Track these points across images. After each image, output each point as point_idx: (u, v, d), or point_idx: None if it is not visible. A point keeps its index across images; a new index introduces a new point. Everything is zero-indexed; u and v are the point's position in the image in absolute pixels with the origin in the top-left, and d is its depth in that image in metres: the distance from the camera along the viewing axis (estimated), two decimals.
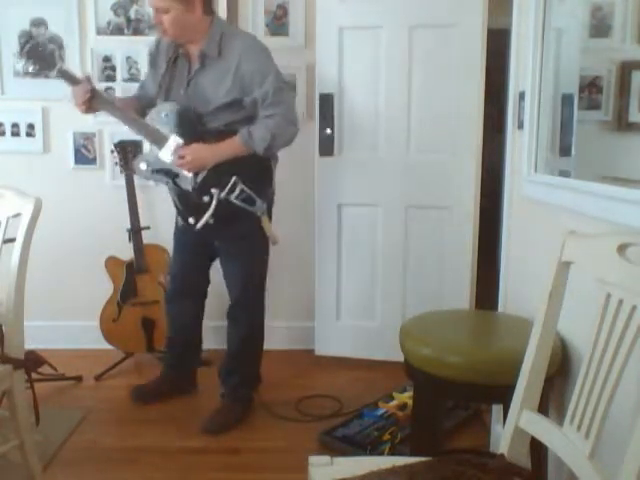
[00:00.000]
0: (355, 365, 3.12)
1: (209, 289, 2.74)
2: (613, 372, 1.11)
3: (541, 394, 1.35)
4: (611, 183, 1.56)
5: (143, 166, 2.41)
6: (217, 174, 2.33)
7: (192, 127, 2.36)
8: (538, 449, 1.51)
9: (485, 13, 2.84)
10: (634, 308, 1.09)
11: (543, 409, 1.50)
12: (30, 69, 2.24)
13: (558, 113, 2.03)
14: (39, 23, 3.15)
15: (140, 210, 3.05)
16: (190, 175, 2.35)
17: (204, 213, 2.32)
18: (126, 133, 2.69)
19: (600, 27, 2.07)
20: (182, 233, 2.58)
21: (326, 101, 3.03)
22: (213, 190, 2.31)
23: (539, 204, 1.98)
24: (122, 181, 3.02)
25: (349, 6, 2.96)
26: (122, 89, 3.17)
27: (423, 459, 1.34)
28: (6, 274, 1.82)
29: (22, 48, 2.22)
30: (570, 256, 1.30)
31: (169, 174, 2.39)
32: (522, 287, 2.14)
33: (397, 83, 2.97)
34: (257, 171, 2.37)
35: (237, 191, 2.31)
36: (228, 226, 2.38)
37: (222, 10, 3.10)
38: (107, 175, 3.26)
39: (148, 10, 3.01)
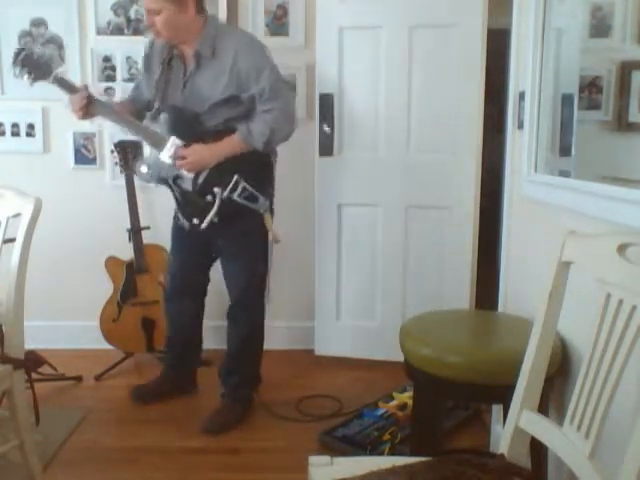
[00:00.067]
0: (355, 365, 3.12)
1: (210, 290, 2.74)
2: (613, 372, 1.11)
3: (541, 394, 1.35)
4: (611, 183, 1.56)
5: (144, 169, 2.42)
6: (219, 173, 2.33)
7: (191, 128, 2.36)
8: (538, 449, 1.51)
9: (485, 13, 2.84)
10: (634, 308, 1.09)
11: (543, 409, 1.50)
12: (25, 78, 2.24)
13: (558, 113, 2.03)
14: (39, 23, 3.15)
15: (140, 210, 3.05)
16: (191, 176, 2.35)
17: (208, 213, 2.32)
18: (126, 133, 2.69)
19: (600, 27, 2.07)
20: (181, 232, 2.58)
21: (326, 101, 3.03)
22: (216, 189, 2.32)
23: (539, 204, 1.98)
24: (122, 181, 3.03)
25: (349, 6, 2.96)
26: (122, 89, 3.17)
27: (423, 459, 1.34)
28: (6, 274, 1.82)
29: (16, 57, 2.23)
30: (570, 256, 1.30)
31: (171, 176, 2.39)
32: (522, 287, 2.14)
33: (397, 83, 2.97)
34: (258, 168, 2.38)
35: (239, 189, 2.31)
36: (231, 225, 2.38)
37: (222, 10, 3.10)
38: (107, 175, 3.26)
39: None
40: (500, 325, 2.10)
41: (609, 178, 1.66)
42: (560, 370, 1.73)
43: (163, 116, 2.37)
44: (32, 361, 2.43)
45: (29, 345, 1.99)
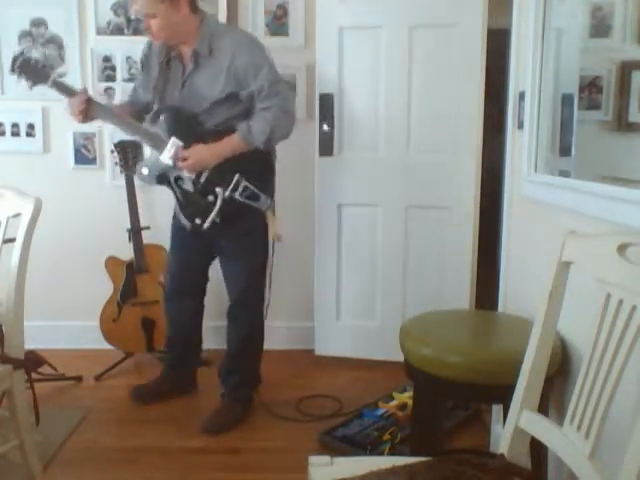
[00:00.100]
0: (355, 365, 3.12)
1: (209, 290, 2.74)
2: (613, 372, 1.11)
3: (541, 394, 1.35)
4: (611, 183, 1.56)
5: (145, 171, 2.42)
6: (220, 173, 2.33)
7: (190, 128, 2.36)
8: (538, 449, 1.51)
9: (485, 13, 2.84)
10: (634, 308, 1.09)
11: (543, 409, 1.50)
12: (24, 84, 2.25)
13: (558, 113, 2.03)
14: (39, 23, 3.15)
15: (140, 210, 3.05)
16: (192, 176, 2.35)
17: (210, 213, 2.32)
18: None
19: (600, 27, 2.07)
20: (181, 232, 2.58)
21: (326, 101, 3.03)
22: (217, 189, 2.32)
23: (539, 204, 1.98)
24: (122, 181, 3.03)
25: (349, 6, 2.96)
26: (122, 89, 3.17)
27: (423, 459, 1.34)
28: (6, 274, 1.82)
29: (13, 64, 2.24)
30: (570, 256, 1.30)
31: (172, 177, 2.39)
32: (522, 287, 2.14)
33: (397, 83, 2.97)
34: (259, 167, 2.38)
35: (241, 188, 2.31)
36: (233, 224, 2.38)
37: (222, 10, 3.10)
38: (107, 175, 3.26)
39: None
40: (500, 325, 2.10)
41: (609, 178, 1.66)
42: (560, 370, 1.73)
43: (163, 117, 2.37)
44: (32, 361, 2.43)
45: (29, 345, 1.99)
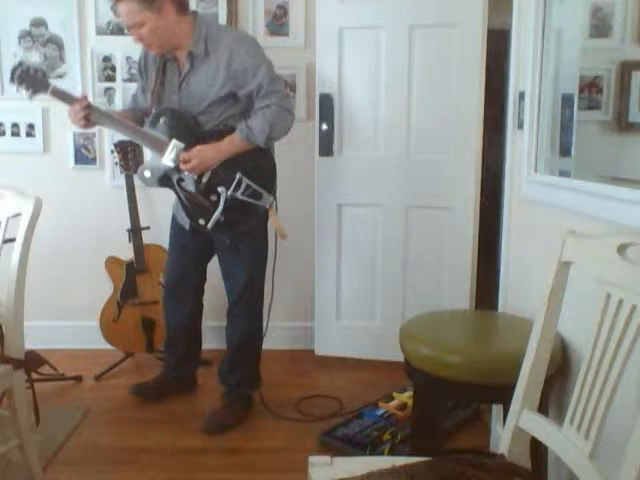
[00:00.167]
0: (355, 365, 3.12)
1: (209, 291, 2.74)
2: (613, 372, 1.11)
3: (541, 394, 1.35)
4: (611, 183, 1.56)
5: (147, 174, 2.42)
6: (222, 172, 2.33)
7: (190, 130, 2.36)
8: (538, 449, 1.51)
9: (485, 13, 2.84)
10: (634, 308, 1.09)
11: (543, 409, 1.50)
12: (24, 94, 2.26)
13: (558, 113, 2.03)
14: (39, 23, 3.16)
15: (140, 210, 3.05)
16: (195, 177, 2.35)
17: (213, 213, 2.32)
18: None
19: (600, 27, 2.07)
20: (180, 232, 2.59)
21: (326, 101, 3.03)
22: (220, 189, 2.32)
23: (539, 204, 1.98)
24: (122, 181, 3.03)
25: (349, 6, 2.96)
26: (122, 89, 3.18)
27: (423, 459, 1.34)
28: (6, 274, 1.82)
29: (13, 74, 2.26)
30: (570, 256, 1.30)
31: (174, 179, 2.40)
32: (522, 287, 2.14)
33: (397, 83, 2.97)
34: (260, 164, 2.38)
35: (243, 187, 2.32)
36: (237, 223, 2.38)
37: (222, 10, 3.11)
38: (107, 175, 3.26)
39: None
40: (500, 325, 2.10)
41: (609, 178, 1.66)
42: (560, 370, 1.73)
43: (162, 120, 2.37)
44: (32, 361, 2.42)
45: (29, 345, 1.99)
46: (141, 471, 2.20)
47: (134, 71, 3.12)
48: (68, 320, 3.30)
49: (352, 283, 3.18)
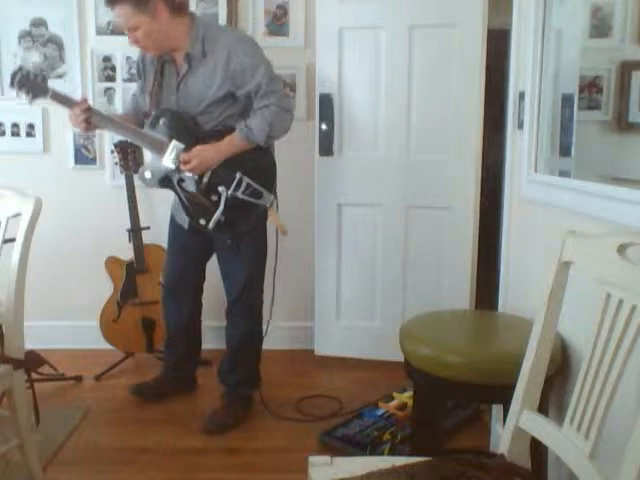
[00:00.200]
0: (355, 365, 3.12)
1: (209, 290, 2.74)
2: (613, 372, 1.11)
3: (541, 394, 1.35)
4: (611, 183, 1.56)
5: (148, 175, 2.42)
6: (222, 172, 2.34)
7: (190, 130, 2.37)
8: (538, 449, 1.51)
9: (485, 13, 2.84)
10: (634, 308, 1.09)
11: (543, 409, 1.50)
12: (24, 98, 2.28)
13: (558, 113, 2.03)
14: (39, 23, 3.16)
15: (140, 210, 3.05)
16: (195, 177, 2.36)
17: (214, 213, 2.32)
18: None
19: (600, 27, 2.07)
20: (179, 232, 2.59)
21: (326, 101, 3.03)
22: (220, 188, 2.32)
23: (539, 204, 1.98)
24: (122, 181, 3.03)
25: (349, 6, 2.96)
26: (122, 89, 3.18)
27: (423, 459, 1.34)
28: (6, 274, 1.82)
29: (13, 79, 2.27)
30: (570, 256, 1.30)
31: (174, 179, 2.40)
32: (522, 287, 2.14)
33: (397, 83, 2.97)
34: (260, 163, 2.38)
35: (243, 186, 2.32)
36: (237, 222, 2.39)
37: (222, 10, 3.11)
38: (107, 175, 3.26)
39: None
40: (500, 325, 2.10)
41: (609, 178, 1.66)
42: (560, 370, 1.73)
43: (162, 121, 2.37)
44: (32, 361, 2.42)
45: (29, 345, 1.99)
46: (141, 471, 2.20)
47: (134, 71, 3.11)
48: (68, 320, 3.30)
49: (352, 283, 3.18)
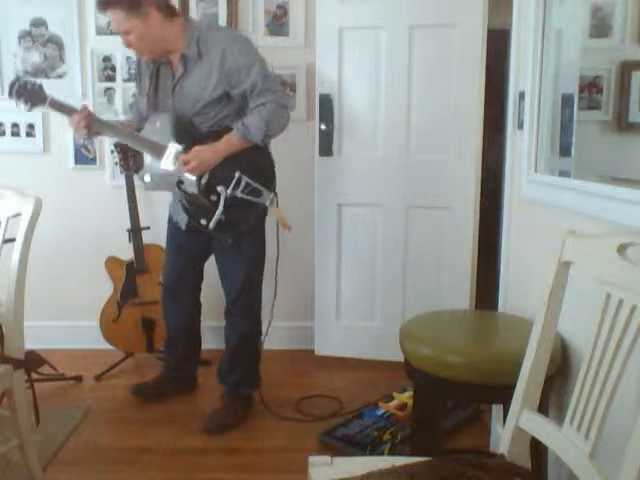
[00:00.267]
0: (355, 365, 3.12)
1: (209, 290, 2.74)
2: (613, 372, 1.11)
3: (541, 394, 1.35)
4: (611, 183, 1.56)
5: (147, 178, 2.43)
6: (220, 172, 2.34)
7: (187, 132, 2.37)
8: (538, 449, 1.51)
9: (485, 13, 2.84)
10: (634, 308, 1.09)
11: (543, 409, 1.50)
12: (22, 107, 2.29)
13: (558, 113, 2.03)
14: (39, 23, 3.16)
15: (140, 210, 3.06)
16: (194, 178, 2.36)
17: (214, 213, 2.33)
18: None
19: (600, 27, 2.07)
20: (177, 232, 2.60)
21: (326, 101, 3.03)
22: (219, 188, 2.33)
23: (539, 204, 1.98)
24: (122, 181, 3.03)
25: (349, 6, 2.96)
26: (122, 89, 3.18)
27: (423, 459, 1.34)
28: (6, 274, 1.82)
29: (11, 89, 2.28)
30: (570, 256, 1.30)
31: (174, 181, 2.40)
32: (522, 287, 2.14)
33: (397, 83, 2.97)
34: (258, 162, 2.38)
35: (242, 185, 2.32)
36: (238, 222, 2.39)
37: (222, 10, 3.11)
38: (107, 175, 3.26)
39: None
40: (500, 325, 2.10)
41: (609, 178, 1.66)
42: (560, 370, 1.73)
43: (159, 123, 2.38)
44: (32, 361, 2.42)
45: (29, 345, 1.99)
46: (141, 471, 2.20)
47: (134, 71, 3.12)
48: (68, 320, 3.30)
49: (352, 283, 3.18)
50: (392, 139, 3.01)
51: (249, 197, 2.34)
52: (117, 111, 3.20)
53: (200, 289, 2.73)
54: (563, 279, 1.32)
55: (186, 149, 2.34)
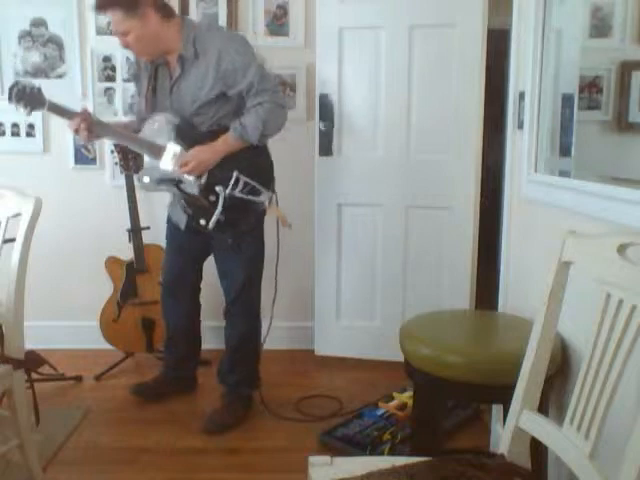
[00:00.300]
0: (355, 365, 3.12)
1: (209, 290, 2.74)
2: (613, 372, 1.11)
3: (541, 394, 1.35)
4: (611, 183, 1.56)
5: (146, 179, 2.43)
6: (219, 172, 2.34)
7: (185, 132, 2.37)
8: (538, 449, 1.51)
9: (485, 13, 2.84)
10: (634, 308, 1.09)
11: (543, 409, 1.50)
12: (22, 111, 2.30)
13: (558, 113, 2.03)
14: (39, 23, 3.16)
15: (140, 210, 3.05)
16: (193, 179, 2.36)
17: (213, 213, 2.33)
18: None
19: (600, 27, 2.07)
20: (176, 232, 2.60)
21: (326, 101, 3.03)
22: (218, 188, 2.33)
23: (539, 204, 1.98)
24: (122, 181, 3.03)
25: (349, 6, 2.96)
26: (122, 89, 3.18)
27: (423, 459, 1.34)
28: (6, 274, 1.82)
29: (10, 94, 2.29)
30: (570, 256, 1.30)
31: (172, 182, 2.40)
32: (522, 287, 2.14)
33: (397, 83, 2.97)
34: (256, 161, 2.39)
35: (241, 185, 2.32)
36: (237, 222, 2.39)
37: (222, 10, 3.11)
38: (107, 175, 3.26)
39: None
40: (500, 325, 2.10)
41: (609, 178, 1.66)
42: (560, 370, 1.73)
43: (157, 124, 2.38)
44: (32, 361, 2.43)
45: (29, 345, 1.99)
46: (141, 471, 2.20)
47: (133, 72, 3.13)
48: (68, 320, 3.30)
49: (352, 283, 3.18)
50: (392, 139, 3.02)
51: (248, 197, 2.34)
52: (117, 111, 3.20)
53: (199, 289, 2.73)
54: (563, 279, 1.32)
55: (184, 150, 2.34)
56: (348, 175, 3.08)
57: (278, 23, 3.16)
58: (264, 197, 2.36)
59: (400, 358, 1.92)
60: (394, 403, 2.56)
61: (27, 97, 2.30)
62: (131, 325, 3.02)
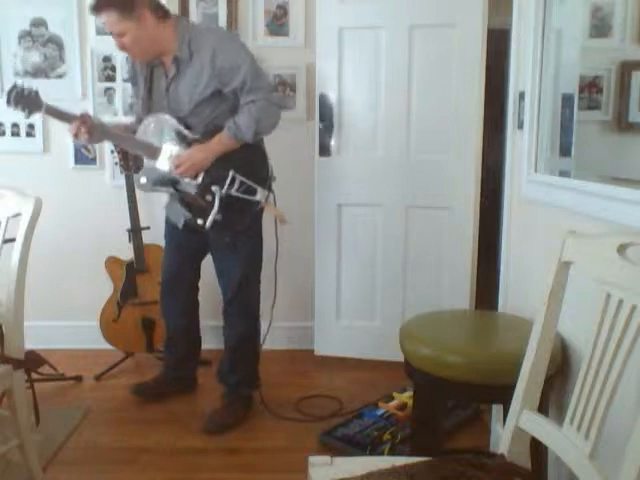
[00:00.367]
0: (355, 365, 3.12)
1: (209, 290, 2.74)
2: (613, 372, 1.11)
3: (541, 394, 1.35)
4: (611, 183, 1.56)
5: (143, 180, 2.44)
6: (215, 171, 2.35)
7: (181, 133, 2.38)
8: (538, 449, 1.51)
9: (485, 13, 2.84)
10: (634, 308, 1.09)
11: (543, 409, 1.50)
12: (20, 114, 2.30)
13: (558, 113, 2.03)
14: (39, 23, 3.16)
15: (140, 210, 3.06)
16: (189, 179, 2.36)
17: (210, 212, 2.33)
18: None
19: (600, 27, 2.07)
20: (174, 231, 2.61)
21: (326, 101, 3.03)
22: (214, 188, 2.33)
23: (539, 204, 1.98)
24: (122, 181, 3.03)
25: (349, 6, 2.96)
26: (122, 89, 3.18)
27: (423, 459, 1.34)
28: (6, 274, 1.82)
29: (8, 97, 2.29)
30: (570, 256, 1.30)
31: (169, 182, 2.40)
32: (522, 287, 2.14)
33: (397, 83, 2.97)
34: (251, 160, 2.39)
35: (237, 184, 2.33)
36: (234, 221, 2.39)
37: (222, 10, 3.11)
38: (107, 175, 3.26)
39: None
40: (500, 325, 2.10)
41: (609, 178, 1.66)
42: (560, 370, 1.73)
43: (153, 125, 2.38)
44: (32, 361, 2.43)
45: (29, 345, 1.99)
46: (141, 471, 2.20)
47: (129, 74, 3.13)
48: (68, 320, 3.30)
49: (352, 283, 3.18)
50: (392, 139, 3.01)
51: (244, 195, 2.34)
52: (117, 111, 3.21)
53: (198, 287, 2.73)
54: (563, 279, 1.32)
55: (180, 150, 2.34)
56: (348, 175, 3.08)
57: (278, 23, 3.16)
58: (260, 196, 2.37)
59: (400, 358, 1.92)
60: (394, 403, 2.56)
61: (24, 100, 2.30)
62: (131, 325, 3.02)
